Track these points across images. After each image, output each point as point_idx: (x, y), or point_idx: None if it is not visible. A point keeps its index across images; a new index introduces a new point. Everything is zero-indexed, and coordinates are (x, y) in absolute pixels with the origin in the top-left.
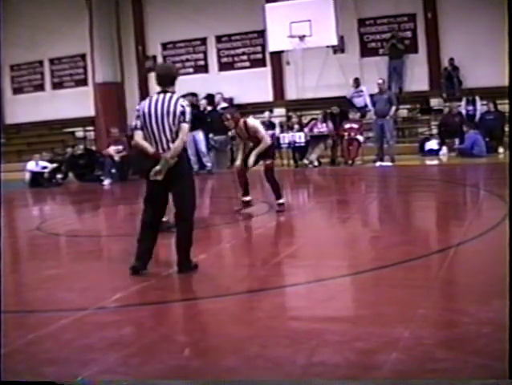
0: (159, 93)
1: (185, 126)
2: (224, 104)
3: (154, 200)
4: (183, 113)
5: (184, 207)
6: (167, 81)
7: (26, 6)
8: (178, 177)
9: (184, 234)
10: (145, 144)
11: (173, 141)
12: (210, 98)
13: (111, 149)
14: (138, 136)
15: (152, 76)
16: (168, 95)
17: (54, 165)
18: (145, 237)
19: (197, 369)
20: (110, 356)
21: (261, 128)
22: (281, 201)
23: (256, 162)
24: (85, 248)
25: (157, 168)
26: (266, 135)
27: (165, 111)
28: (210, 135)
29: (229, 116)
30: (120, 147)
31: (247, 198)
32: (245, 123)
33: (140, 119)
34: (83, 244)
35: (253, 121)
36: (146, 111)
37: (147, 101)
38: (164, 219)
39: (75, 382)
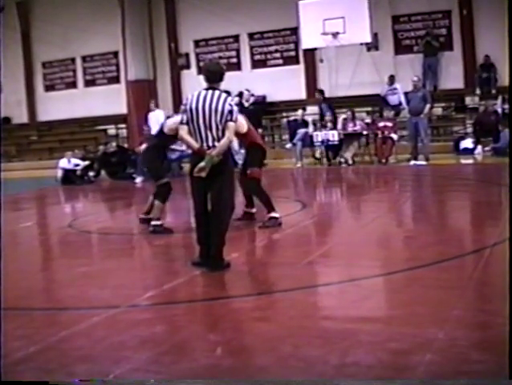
0: (207, 89)
1: (232, 125)
2: (252, 101)
3: (199, 193)
4: (231, 112)
5: (222, 206)
6: (216, 78)
7: (58, 3)
8: (219, 175)
9: (219, 233)
10: (190, 140)
11: (219, 139)
12: (242, 95)
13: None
14: (183, 131)
15: (185, 73)
16: (217, 92)
17: (87, 163)
18: (201, 224)
19: (229, 368)
20: (142, 354)
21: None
22: (273, 215)
23: (249, 167)
24: (117, 246)
25: (202, 164)
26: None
27: (213, 109)
28: None
29: None
30: None
31: (251, 210)
32: None
33: (186, 114)
34: (114, 242)
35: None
36: (193, 106)
37: (194, 96)
38: (159, 222)
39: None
